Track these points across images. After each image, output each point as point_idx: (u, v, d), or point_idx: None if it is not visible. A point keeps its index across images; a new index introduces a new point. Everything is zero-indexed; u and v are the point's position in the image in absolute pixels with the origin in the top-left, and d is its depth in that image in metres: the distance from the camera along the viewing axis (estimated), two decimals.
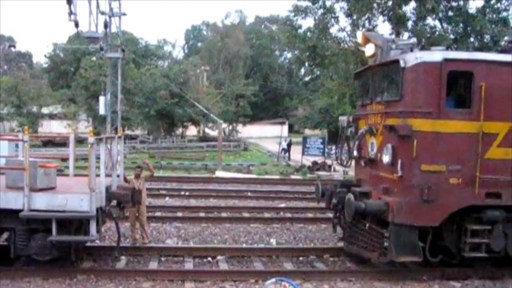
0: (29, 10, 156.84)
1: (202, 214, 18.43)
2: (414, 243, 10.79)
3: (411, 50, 11.42)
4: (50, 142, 49.34)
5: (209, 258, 13.00)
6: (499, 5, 28.56)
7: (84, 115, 60.89)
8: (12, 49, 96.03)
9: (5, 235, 11.94)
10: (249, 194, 23.65)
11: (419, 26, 28.69)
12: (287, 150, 46.55)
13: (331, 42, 30.59)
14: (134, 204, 12.51)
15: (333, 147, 37.96)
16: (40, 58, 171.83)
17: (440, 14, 28.65)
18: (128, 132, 58.45)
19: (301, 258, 13.31)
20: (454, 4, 28.42)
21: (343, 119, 13.58)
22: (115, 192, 12.07)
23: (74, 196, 10.78)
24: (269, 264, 12.77)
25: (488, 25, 27.77)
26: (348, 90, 30.96)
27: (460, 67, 10.72)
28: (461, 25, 28.54)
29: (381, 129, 11.61)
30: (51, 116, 69.32)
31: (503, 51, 12.78)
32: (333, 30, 31.13)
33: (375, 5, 28.83)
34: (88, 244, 12.70)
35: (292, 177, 31.57)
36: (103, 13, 30.35)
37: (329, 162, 34.38)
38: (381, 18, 29.48)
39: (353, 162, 13.49)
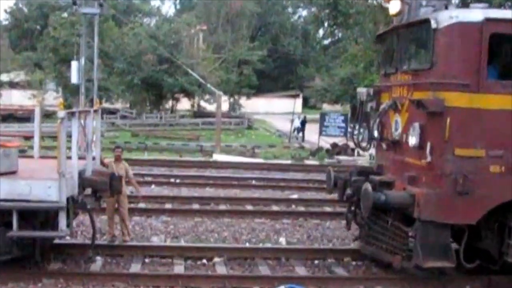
0: None
1: (195, 206, 18.45)
2: (446, 244, 10.77)
3: (446, 8, 11.27)
4: (10, 116, 49.44)
5: (204, 260, 13.01)
6: None
7: (53, 84, 61.01)
8: None
9: None
10: (253, 182, 23.69)
11: None
12: (301, 129, 46.56)
13: None
14: (113, 193, 12.48)
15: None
16: None
17: None
18: (106, 105, 58.37)
19: (316, 262, 13.31)
20: None
21: (361, 92, 13.51)
22: (90, 178, 12.04)
23: (40, 182, 10.75)
24: (277, 268, 12.79)
25: None
26: (376, 56, 30.83)
27: (506, 29, 10.61)
28: None
29: (408, 104, 11.55)
30: (12, 85, 69.42)
31: None
32: None
33: None
34: (57, 241, 12.67)
35: (307, 162, 31.64)
36: None
37: (352, 144, 34.36)
38: None
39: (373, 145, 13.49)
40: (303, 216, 17.60)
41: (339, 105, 72.21)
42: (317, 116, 42.32)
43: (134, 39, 58.59)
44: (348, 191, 12.83)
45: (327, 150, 34.76)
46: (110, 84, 55.92)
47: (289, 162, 31.32)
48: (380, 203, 11.10)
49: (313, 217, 17.54)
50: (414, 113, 11.25)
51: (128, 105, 67.02)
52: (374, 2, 30.46)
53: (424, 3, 11.64)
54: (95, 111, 13.02)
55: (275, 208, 18.80)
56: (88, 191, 12.40)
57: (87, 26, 35.57)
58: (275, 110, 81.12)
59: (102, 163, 13.46)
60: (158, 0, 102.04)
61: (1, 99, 63.65)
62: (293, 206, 19.19)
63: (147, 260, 12.88)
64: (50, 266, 12.09)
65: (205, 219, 16.83)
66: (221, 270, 12.46)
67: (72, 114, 11.38)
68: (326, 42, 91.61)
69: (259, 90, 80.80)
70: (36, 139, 13.72)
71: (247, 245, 14.46)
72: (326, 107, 79.15)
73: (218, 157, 32.53)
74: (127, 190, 14.22)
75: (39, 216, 11.11)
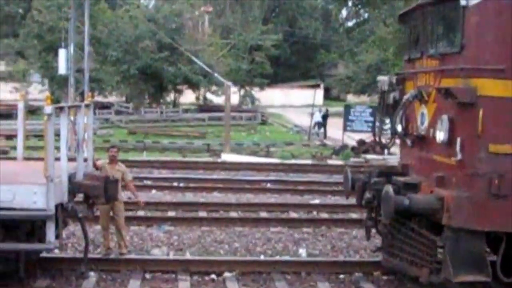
0: None
1: (202, 214, 18.50)
2: (480, 255, 10.67)
3: None
4: None
5: (213, 276, 13.01)
6: None
7: (37, 75, 61.16)
8: None
9: None
10: (268, 185, 23.72)
11: None
12: (323, 124, 46.51)
13: None
14: (108, 199, 12.45)
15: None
16: None
17: None
18: (99, 98, 58.71)
19: (341, 276, 13.31)
20: None
21: (383, 80, 13.48)
22: (81, 183, 12.04)
23: (24, 188, 10.76)
24: (296, 284, 12.77)
25: None
26: None
27: None
28: None
29: (435, 93, 11.49)
30: None
31: None
32: None
33: None
34: (44, 254, 12.67)
35: (330, 162, 31.63)
36: None
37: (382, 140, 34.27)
38: None
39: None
40: (326, 224, 17.59)
41: (366, 96, 72.13)
42: (341, 109, 42.32)
43: (130, 23, 58.82)
44: (367, 194, 12.73)
45: (353, 148, 34.72)
46: (103, 75, 56.10)
47: (309, 162, 31.34)
48: (403, 209, 10.98)
49: (337, 225, 17.52)
50: (442, 104, 11.17)
51: (123, 99, 67.25)
52: None
53: None
54: (87, 105, 13.01)
55: (293, 215, 18.82)
56: (80, 197, 12.43)
57: (76, 8, 35.66)
58: (293, 103, 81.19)
59: (95, 166, 13.48)
60: None
61: None
62: (314, 213, 19.22)
63: (147, 276, 12.89)
64: (36, 283, 12.07)
65: (214, 228, 16.84)
66: (232, 286, 12.44)
67: (61, 109, 11.39)
68: (350, 23, 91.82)
69: (274, 79, 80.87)
70: (20, 138, 13.69)
71: (262, 257, 14.44)
72: (351, 98, 79.12)
73: (227, 157, 32.58)
74: (124, 195, 14.24)
75: (24, 226, 11.08)
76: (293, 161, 31.33)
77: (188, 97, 68.13)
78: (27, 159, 13.97)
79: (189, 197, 21.28)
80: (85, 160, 12.80)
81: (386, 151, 32.82)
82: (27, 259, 11.63)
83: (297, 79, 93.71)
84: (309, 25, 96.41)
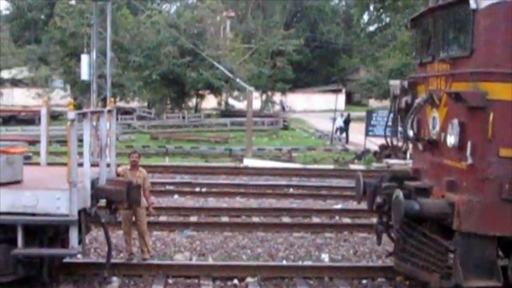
0: None
1: (225, 219, 18.49)
2: (491, 260, 10.60)
3: None
4: (12, 118, 50.01)
5: (235, 281, 13.03)
6: None
7: (60, 81, 61.50)
8: None
9: None
10: (290, 190, 23.67)
11: None
12: (344, 129, 46.40)
13: None
14: (130, 205, 12.53)
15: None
16: None
17: None
18: (121, 104, 58.93)
19: (364, 281, 13.28)
20: None
21: (394, 85, 13.43)
22: (104, 188, 12.10)
23: (48, 193, 10.82)
24: None
25: None
26: None
27: None
28: None
29: (446, 97, 11.45)
30: (14, 83, 70.24)
31: None
32: None
33: None
34: (67, 260, 12.75)
35: (352, 166, 31.54)
36: None
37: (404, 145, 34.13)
38: None
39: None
40: (349, 229, 17.55)
41: (388, 100, 71.87)
42: (363, 113, 42.09)
43: (152, 29, 58.92)
44: (378, 199, 12.72)
45: (375, 153, 34.58)
46: (125, 81, 56.23)
47: (331, 167, 31.30)
48: (413, 213, 10.97)
49: (360, 230, 17.47)
50: (452, 108, 11.11)
51: (146, 104, 67.38)
52: None
53: None
54: (109, 111, 13.08)
55: (316, 220, 18.79)
56: (103, 202, 12.47)
57: (98, 14, 35.92)
58: (314, 108, 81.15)
59: (116, 172, 13.53)
60: None
61: (1, 98, 64.31)
62: (337, 218, 19.17)
63: (170, 281, 12.91)
64: None
65: (236, 233, 16.86)
66: None
67: (83, 115, 11.44)
68: (371, 28, 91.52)
69: (296, 84, 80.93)
70: (43, 143, 13.79)
71: (284, 262, 14.45)
72: (373, 103, 78.85)
73: (249, 162, 32.56)
74: (146, 202, 14.27)
75: (47, 232, 11.16)
76: (315, 166, 31.31)
77: (210, 102, 68.25)
78: (50, 164, 14.00)
79: (212, 202, 21.28)
80: (108, 165, 12.85)
81: (408, 155, 32.76)
82: (50, 264, 11.68)
83: (319, 84, 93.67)
84: (331, 30, 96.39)
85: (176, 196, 21.96)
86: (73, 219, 10.70)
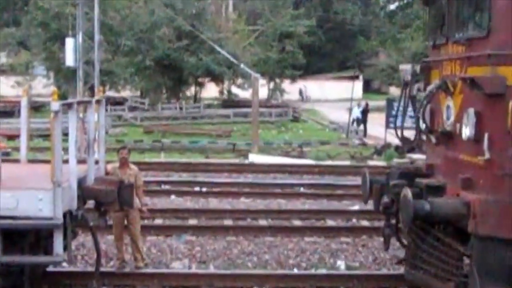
0: None
1: (228, 222, 18.52)
2: (510, 266, 10.48)
3: None
4: None
5: None
6: None
7: (42, 67, 61.59)
8: None
9: None
10: (302, 190, 23.68)
11: None
12: (362, 120, 46.44)
13: None
14: (122, 206, 12.46)
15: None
16: None
17: None
18: (111, 93, 59.13)
19: None
20: None
21: (405, 69, 13.34)
22: (92, 188, 12.07)
23: (29, 194, 10.73)
24: None
25: None
26: None
27: None
28: None
29: (461, 84, 11.35)
30: None
31: None
32: None
33: None
34: (51, 268, 12.76)
35: (370, 163, 31.60)
36: None
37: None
38: None
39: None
40: (367, 233, 17.54)
41: None
42: (383, 103, 42.11)
43: (144, 9, 59.04)
44: (385, 198, 12.65)
45: (397, 147, 34.47)
46: (115, 67, 56.21)
47: (347, 163, 31.38)
48: (423, 214, 10.82)
49: (379, 234, 17.24)
50: (468, 96, 11.04)
51: (138, 94, 67.43)
52: None
53: None
54: (98, 101, 13.08)
55: (330, 223, 18.79)
56: (91, 204, 12.43)
57: None
58: (328, 96, 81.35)
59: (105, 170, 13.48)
60: None
61: None
62: (354, 220, 19.20)
63: None
64: None
65: (241, 238, 16.86)
66: None
67: (69, 106, 11.36)
68: (392, 6, 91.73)
69: (307, 71, 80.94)
70: (23, 138, 13.71)
71: (296, 271, 14.45)
72: (394, 91, 78.70)
73: (255, 158, 32.72)
74: (139, 202, 14.27)
75: (29, 237, 11.12)
76: (329, 163, 31.37)
77: (211, 91, 68.15)
78: (32, 161, 13.94)
79: (213, 203, 21.30)
80: (97, 162, 12.85)
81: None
82: (32, 273, 11.68)
83: (333, 69, 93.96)
84: (346, 9, 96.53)
85: (173, 197, 22.02)
86: (57, 223, 10.61)
